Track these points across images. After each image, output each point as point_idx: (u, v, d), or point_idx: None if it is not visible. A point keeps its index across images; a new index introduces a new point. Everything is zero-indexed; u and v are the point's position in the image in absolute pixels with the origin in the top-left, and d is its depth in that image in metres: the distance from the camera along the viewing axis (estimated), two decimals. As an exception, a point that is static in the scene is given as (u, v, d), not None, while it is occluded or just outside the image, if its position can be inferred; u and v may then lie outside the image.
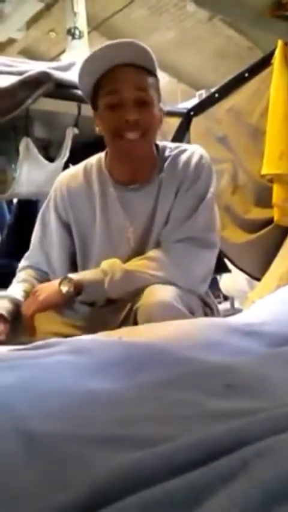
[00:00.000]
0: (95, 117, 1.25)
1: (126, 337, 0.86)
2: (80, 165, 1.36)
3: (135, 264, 1.19)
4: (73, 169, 1.38)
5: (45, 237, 1.35)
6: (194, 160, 1.24)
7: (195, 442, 0.39)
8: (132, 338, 0.84)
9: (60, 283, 1.17)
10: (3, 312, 1.20)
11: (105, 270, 1.17)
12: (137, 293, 1.15)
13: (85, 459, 0.42)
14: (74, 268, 1.32)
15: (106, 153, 1.31)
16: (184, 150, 1.27)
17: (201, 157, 1.25)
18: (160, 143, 1.30)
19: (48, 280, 1.31)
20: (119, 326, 1.19)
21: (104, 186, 1.28)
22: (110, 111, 1.17)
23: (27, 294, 1.26)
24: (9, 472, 0.40)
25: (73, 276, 1.19)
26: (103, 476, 0.36)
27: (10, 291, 1.29)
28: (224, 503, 0.32)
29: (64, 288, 1.16)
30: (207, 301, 1.32)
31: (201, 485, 0.33)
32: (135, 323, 1.14)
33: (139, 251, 1.24)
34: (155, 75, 1.21)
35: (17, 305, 1.23)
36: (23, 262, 1.40)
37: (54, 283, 1.19)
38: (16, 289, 1.29)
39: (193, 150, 1.27)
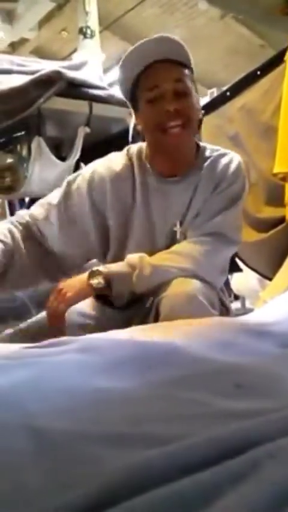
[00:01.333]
0: (136, 118, 1.29)
1: (137, 336, 0.86)
2: (122, 154, 1.35)
3: (162, 257, 1.21)
4: (113, 156, 1.37)
5: (66, 211, 1.30)
6: (233, 165, 1.28)
7: (205, 442, 0.39)
8: (142, 337, 0.84)
9: (89, 277, 1.16)
10: None
11: (133, 264, 1.18)
12: (162, 285, 1.16)
13: (94, 458, 0.42)
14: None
15: (147, 146, 1.32)
16: (224, 154, 1.31)
17: (239, 163, 1.30)
18: (201, 143, 1.35)
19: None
20: (142, 318, 1.19)
21: (145, 176, 1.30)
22: (151, 106, 1.21)
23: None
24: (18, 470, 0.40)
25: (101, 268, 1.18)
26: (112, 475, 0.36)
27: None
28: (233, 503, 0.31)
29: (95, 281, 1.16)
30: (224, 300, 1.33)
31: (211, 486, 0.33)
32: (157, 314, 1.14)
33: (169, 242, 1.26)
34: (190, 68, 1.25)
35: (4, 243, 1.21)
36: (16, 216, 1.36)
37: (82, 277, 1.18)
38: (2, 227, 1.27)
39: (232, 156, 1.31)
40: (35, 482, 0.38)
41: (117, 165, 1.32)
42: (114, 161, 1.34)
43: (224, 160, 1.29)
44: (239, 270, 2.39)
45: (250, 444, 0.38)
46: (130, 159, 1.33)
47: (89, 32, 6.27)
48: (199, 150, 1.32)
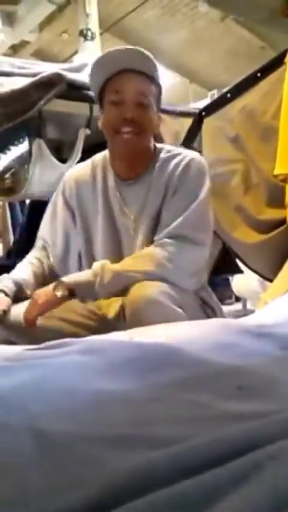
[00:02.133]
0: (100, 115, 1.36)
1: (138, 337, 0.86)
2: (88, 161, 1.48)
3: (127, 263, 1.25)
4: (81, 164, 1.51)
5: (53, 220, 1.45)
6: (183, 163, 1.31)
7: (207, 444, 0.39)
8: (144, 338, 0.85)
9: (54, 288, 1.24)
10: (5, 289, 1.28)
11: (96, 272, 1.23)
12: (126, 289, 1.20)
13: (96, 459, 0.42)
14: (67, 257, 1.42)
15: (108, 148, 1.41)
16: (177, 154, 1.35)
17: (191, 160, 1.32)
18: (159, 145, 1.39)
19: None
20: (118, 316, 1.22)
21: (106, 179, 1.39)
22: (112, 108, 1.29)
23: (30, 278, 1.35)
24: (20, 471, 0.40)
25: (65, 279, 1.26)
26: (115, 476, 0.36)
27: (18, 271, 1.37)
28: (235, 505, 0.32)
29: (59, 293, 1.23)
30: (208, 301, 1.34)
31: (213, 487, 0.33)
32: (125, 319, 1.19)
33: (127, 244, 1.33)
34: (156, 83, 1.32)
35: (18, 287, 1.31)
36: (38, 240, 1.50)
37: (49, 288, 1.25)
38: (21, 271, 1.37)
39: (185, 155, 1.34)
40: (36, 483, 0.38)
41: (80, 173, 1.44)
42: (79, 170, 1.47)
43: (174, 161, 1.33)
44: (240, 271, 2.40)
45: (252, 446, 0.39)
46: (94, 166, 1.43)
47: (89, 34, 6.28)
48: (156, 151, 1.37)
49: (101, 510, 0.33)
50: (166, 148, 1.39)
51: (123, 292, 1.21)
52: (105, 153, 1.43)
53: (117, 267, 1.24)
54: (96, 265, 1.25)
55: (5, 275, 1.34)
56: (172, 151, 1.36)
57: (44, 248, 1.46)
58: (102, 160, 1.42)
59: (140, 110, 1.27)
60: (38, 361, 0.72)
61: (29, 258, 1.44)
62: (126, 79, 1.28)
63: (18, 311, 1.25)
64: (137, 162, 1.34)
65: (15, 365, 0.71)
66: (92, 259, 1.36)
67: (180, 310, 1.18)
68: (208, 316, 1.33)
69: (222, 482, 0.34)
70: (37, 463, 0.42)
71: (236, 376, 0.64)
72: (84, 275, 1.27)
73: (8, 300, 1.27)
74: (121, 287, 1.21)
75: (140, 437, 0.46)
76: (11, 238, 3.20)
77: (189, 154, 1.35)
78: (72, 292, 1.24)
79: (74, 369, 0.67)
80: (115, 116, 1.28)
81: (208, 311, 1.34)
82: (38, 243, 1.49)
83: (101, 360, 0.71)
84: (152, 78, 1.30)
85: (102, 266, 1.24)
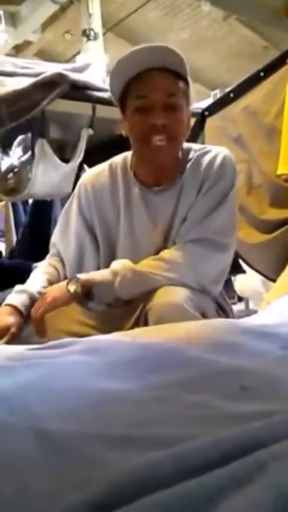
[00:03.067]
0: (122, 120, 1.25)
1: (141, 337, 0.86)
2: (105, 164, 1.36)
3: (147, 264, 1.19)
4: (98, 168, 1.39)
5: (66, 230, 1.36)
6: (218, 161, 1.23)
7: (210, 444, 0.39)
8: (146, 339, 0.85)
9: (68, 283, 1.18)
10: (18, 305, 1.20)
11: (115, 270, 1.18)
12: (149, 294, 1.15)
13: (100, 459, 0.42)
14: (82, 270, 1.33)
15: (132, 154, 1.31)
16: (208, 151, 1.26)
17: (224, 158, 1.24)
18: (185, 145, 1.30)
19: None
20: (132, 326, 1.19)
21: (129, 186, 1.29)
22: (138, 115, 1.18)
23: (46, 288, 1.27)
24: (24, 472, 0.41)
25: (81, 275, 1.19)
26: (119, 476, 0.36)
27: (32, 282, 1.29)
28: (238, 505, 0.31)
29: (72, 287, 1.17)
30: (222, 304, 1.31)
31: (216, 487, 0.33)
32: (146, 324, 1.14)
33: (157, 253, 1.23)
34: (186, 80, 1.20)
35: (33, 301, 1.24)
36: (51, 248, 1.42)
37: (62, 283, 1.20)
38: (37, 281, 1.29)
39: (217, 151, 1.26)
40: (40, 483, 0.38)
41: (98, 178, 1.33)
42: (96, 174, 1.35)
43: (207, 158, 1.24)
44: (243, 271, 2.39)
45: (255, 446, 0.39)
46: (113, 170, 1.32)
47: (92, 34, 6.29)
48: (183, 153, 1.27)
49: (104, 510, 0.33)
50: (193, 147, 1.29)
51: (143, 298, 1.16)
52: (125, 155, 1.33)
53: (138, 267, 1.18)
54: (116, 263, 1.19)
55: (19, 287, 1.26)
56: (202, 149, 1.27)
57: (59, 256, 1.38)
58: (122, 163, 1.32)
59: (169, 113, 1.16)
60: (41, 361, 0.73)
61: (44, 266, 1.35)
62: (150, 81, 1.16)
63: (32, 331, 1.20)
64: (167, 172, 1.25)
65: (17, 365, 0.71)
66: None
67: (201, 317, 1.15)
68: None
69: (225, 482, 0.34)
70: (40, 463, 0.42)
71: (239, 376, 0.64)
72: (102, 273, 1.20)
73: (18, 321, 1.18)
74: (142, 290, 1.16)
75: (143, 438, 0.46)
76: (14, 238, 3.20)
77: (220, 150, 1.26)
78: (87, 289, 1.17)
79: (76, 369, 0.67)
80: (143, 123, 1.16)
81: (221, 313, 1.30)
82: (52, 250, 1.41)
83: (103, 360, 0.71)
84: (178, 74, 1.17)
85: (124, 264, 1.18)
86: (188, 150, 1.28)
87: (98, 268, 1.30)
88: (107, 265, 1.28)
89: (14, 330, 1.16)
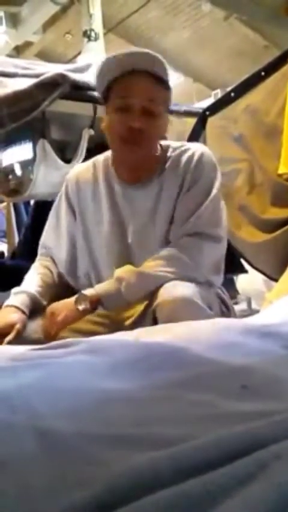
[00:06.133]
0: (104, 120, 1.30)
1: (143, 337, 0.86)
2: (90, 161, 1.42)
3: (148, 265, 1.21)
4: (83, 165, 1.45)
5: (57, 227, 1.40)
6: (195, 158, 1.27)
7: (212, 443, 0.39)
8: (148, 338, 0.85)
9: (76, 302, 1.20)
10: (20, 305, 1.23)
11: (119, 277, 1.20)
12: (155, 290, 1.17)
13: (102, 458, 0.42)
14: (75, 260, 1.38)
15: (111, 151, 1.35)
16: (186, 150, 1.30)
17: (202, 155, 1.28)
18: (164, 143, 1.34)
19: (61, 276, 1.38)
20: (134, 322, 1.20)
21: (110, 183, 1.33)
22: (117, 115, 1.22)
23: (43, 288, 1.30)
24: (26, 471, 0.41)
25: (88, 292, 1.21)
26: (120, 475, 0.36)
27: (28, 283, 1.32)
28: (240, 505, 0.31)
29: (81, 306, 1.19)
30: (223, 298, 1.33)
31: (218, 487, 0.33)
32: (155, 320, 1.15)
33: (138, 246, 1.28)
34: (166, 86, 1.25)
35: (33, 300, 1.26)
36: (41, 249, 1.45)
37: (70, 301, 1.21)
38: (33, 282, 1.32)
39: (195, 149, 1.30)
40: (41, 482, 0.38)
41: (82, 173, 1.39)
42: (80, 170, 1.41)
43: (185, 157, 1.28)
44: (245, 271, 2.39)
45: (257, 445, 0.38)
46: (96, 168, 1.37)
47: (93, 34, 6.30)
48: (162, 150, 1.32)
49: (105, 510, 0.33)
50: (172, 145, 1.34)
51: (148, 294, 1.18)
52: (107, 154, 1.38)
53: (140, 269, 1.20)
54: (119, 271, 1.21)
55: (16, 288, 1.28)
56: (179, 148, 1.32)
57: (50, 256, 1.41)
58: (103, 161, 1.37)
59: (147, 118, 1.20)
60: (43, 361, 0.73)
61: (37, 267, 1.38)
62: (133, 82, 1.20)
63: (35, 327, 1.22)
64: (141, 170, 1.29)
65: (20, 365, 0.71)
66: (95, 265, 1.32)
67: (209, 310, 1.17)
68: (223, 315, 1.31)
69: (226, 482, 0.34)
70: (42, 462, 0.42)
71: (241, 375, 0.64)
72: (107, 284, 1.22)
73: (22, 318, 1.21)
74: (149, 289, 1.18)
75: (144, 437, 0.46)
76: (16, 238, 3.21)
77: (197, 148, 1.31)
78: (95, 305, 1.20)
79: (78, 368, 0.67)
80: (120, 123, 1.21)
81: (224, 309, 1.32)
82: (42, 251, 1.44)
83: (105, 359, 0.71)
84: (161, 81, 1.22)
85: (126, 269, 1.20)
86: (167, 148, 1.33)
87: (91, 263, 1.34)
88: (89, 258, 1.33)
89: (19, 327, 1.18)
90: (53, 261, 1.40)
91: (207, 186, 1.26)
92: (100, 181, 1.34)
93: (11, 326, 1.17)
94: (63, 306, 1.22)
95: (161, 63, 1.21)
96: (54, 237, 1.41)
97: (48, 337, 1.19)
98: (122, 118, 1.21)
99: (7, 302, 1.24)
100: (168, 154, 1.31)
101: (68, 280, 1.38)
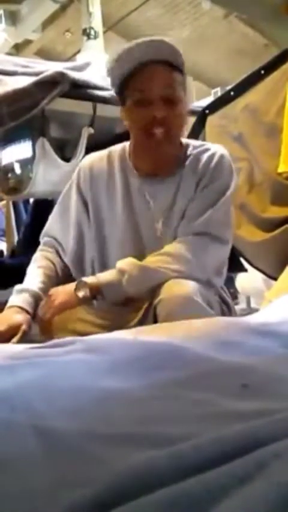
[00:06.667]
0: (122, 111, 1.28)
1: (142, 336, 0.86)
2: (105, 151, 1.39)
3: (151, 260, 1.20)
4: (97, 153, 1.41)
5: (65, 215, 1.37)
6: (215, 159, 1.27)
7: (212, 442, 0.39)
8: (148, 337, 0.85)
9: (75, 288, 1.19)
10: (23, 305, 1.21)
11: (122, 269, 1.18)
12: (157, 288, 1.16)
13: (102, 457, 0.42)
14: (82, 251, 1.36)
15: (131, 144, 1.33)
16: (207, 149, 1.30)
17: (222, 156, 1.28)
18: (184, 140, 1.33)
19: (65, 265, 1.36)
20: (138, 323, 1.20)
21: (126, 176, 1.31)
22: (138, 108, 1.20)
23: (46, 284, 1.28)
24: (26, 470, 0.41)
25: (88, 279, 1.20)
26: (120, 474, 0.36)
27: (30, 279, 1.29)
28: (240, 503, 0.31)
29: (80, 293, 1.18)
30: (224, 297, 1.33)
31: (217, 486, 0.33)
32: (155, 318, 1.15)
33: (151, 242, 1.27)
34: (182, 73, 1.23)
35: (36, 298, 1.25)
36: (44, 238, 1.42)
37: (70, 287, 1.21)
38: (35, 278, 1.29)
39: (215, 150, 1.30)
40: (41, 481, 0.38)
41: (96, 162, 1.35)
42: (94, 159, 1.37)
43: (205, 156, 1.28)
44: (244, 270, 2.39)
45: (256, 444, 0.38)
46: (111, 159, 1.34)
47: (92, 32, 6.29)
48: (182, 147, 1.31)
49: (105, 508, 0.33)
50: (192, 143, 1.33)
51: (150, 293, 1.18)
52: (124, 145, 1.35)
53: (144, 263, 1.19)
54: (122, 262, 1.20)
55: (19, 286, 1.26)
56: (201, 146, 1.31)
57: (53, 247, 1.38)
58: (120, 152, 1.34)
59: (169, 106, 1.19)
60: (43, 360, 0.73)
61: (39, 259, 1.35)
62: (149, 74, 1.18)
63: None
64: (165, 163, 1.27)
65: (19, 363, 0.71)
66: (104, 257, 1.31)
67: (210, 309, 1.17)
68: (224, 314, 1.32)
69: (226, 480, 0.34)
70: (42, 461, 0.42)
71: (240, 374, 0.64)
72: (108, 274, 1.20)
73: (27, 319, 1.19)
74: (150, 284, 1.17)
75: (144, 436, 0.46)
76: (15, 237, 3.20)
77: (218, 149, 1.30)
78: (94, 293, 1.19)
79: (78, 367, 0.67)
80: (143, 116, 1.19)
81: (224, 308, 1.32)
82: (45, 240, 1.40)
83: (105, 358, 0.71)
84: (175, 67, 1.20)
85: (129, 262, 1.19)
86: (187, 145, 1.32)
87: (98, 252, 1.33)
88: (100, 252, 1.31)
89: (25, 328, 1.17)
90: (56, 252, 1.38)
91: (222, 188, 1.26)
92: (116, 172, 1.32)
93: (17, 327, 1.16)
94: (63, 291, 1.21)
95: (174, 49, 1.20)
96: (60, 225, 1.38)
97: (43, 320, 1.19)
98: (143, 110, 1.19)
99: (10, 302, 1.23)
100: (188, 152, 1.30)
101: (72, 272, 1.36)
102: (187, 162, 1.27)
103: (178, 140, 1.27)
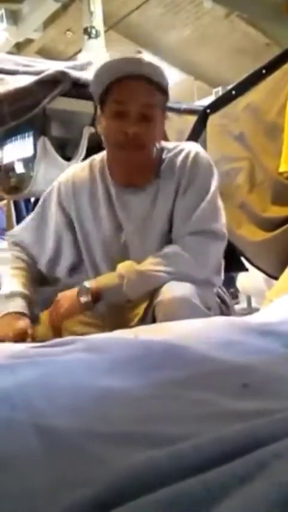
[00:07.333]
0: (99, 117, 1.28)
1: (143, 335, 0.86)
2: (86, 162, 1.41)
3: (150, 262, 1.21)
4: (79, 165, 1.44)
5: (43, 223, 1.39)
6: (190, 159, 1.27)
7: (212, 442, 0.39)
8: (148, 336, 0.85)
9: (78, 294, 1.21)
10: (22, 310, 1.24)
11: (121, 274, 1.20)
12: (155, 290, 1.17)
13: (102, 456, 0.42)
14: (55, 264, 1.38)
15: (106, 154, 1.35)
16: (180, 151, 1.30)
17: (196, 154, 1.28)
18: (161, 144, 1.33)
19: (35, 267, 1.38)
20: (137, 324, 1.20)
21: (107, 185, 1.33)
22: (114, 120, 1.21)
23: (27, 286, 1.31)
24: (26, 468, 0.41)
25: (90, 284, 1.22)
26: (120, 474, 0.36)
27: (13, 282, 1.31)
28: (240, 503, 0.31)
29: (83, 299, 1.20)
30: (223, 297, 1.33)
31: (217, 485, 0.33)
32: (154, 320, 1.16)
33: (139, 247, 1.28)
34: (163, 91, 1.24)
35: (28, 300, 1.27)
36: (16, 237, 1.43)
37: (73, 293, 1.22)
38: (18, 279, 1.31)
39: (188, 150, 1.29)
40: (42, 481, 0.38)
41: (78, 175, 1.37)
42: (76, 171, 1.39)
43: (179, 159, 1.27)
44: (245, 269, 2.39)
45: (257, 444, 0.38)
46: (93, 169, 1.36)
47: (93, 32, 6.28)
48: (157, 153, 1.30)
49: (105, 508, 0.33)
50: (166, 146, 1.33)
51: (149, 294, 1.19)
52: (103, 155, 1.37)
53: (142, 267, 1.20)
54: (121, 266, 1.22)
55: (6, 291, 1.27)
56: (173, 149, 1.31)
57: (20, 245, 1.40)
58: (100, 162, 1.36)
59: (143, 123, 1.19)
60: (43, 359, 0.73)
61: (14, 260, 1.37)
62: (129, 88, 1.19)
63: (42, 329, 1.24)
64: (138, 174, 1.29)
65: (20, 362, 0.71)
66: (94, 265, 1.33)
67: (207, 310, 1.17)
68: (223, 314, 1.32)
69: (226, 480, 0.34)
70: (42, 460, 0.42)
71: (241, 374, 0.64)
72: (109, 278, 1.22)
73: (29, 323, 1.22)
74: (149, 288, 1.19)
75: (144, 435, 0.46)
76: (16, 236, 3.20)
77: (191, 148, 1.30)
78: (97, 297, 1.20)
79: (78, 366, 0.67)
80: (117, 129, 1.20)
81: (223, 308, 1.33)
82: (12, 239, 1.42)
83: (105, 357, 0.71)
84: (157, 86, 1.21)
85: (128, 266, 1.21)
86: (161, 150, 1.32)
87: (74, 262, 1.36)
88: (89, 258, 1.34)
89: (32, 332, 1.20)
90: (25, 251, 1.39)
91: (204, 185, 1.26)
92: (97, 181, 1.34)
93: (23, 333, 1.18)
94: (67, 298, 1.23)
95: (156, 67, 1.22)
96: (35, 238, 1.39)
97: (54, 326, 1.22)
98: (118, 124, 1.20)
99: (7, 309, 1.24)
100: (163, 156, 1.30)
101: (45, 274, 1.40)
102: (162, 167, 1.28)
103: (149, 154, 1.27)
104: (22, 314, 1.23)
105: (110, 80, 1.21)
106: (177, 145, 1.34)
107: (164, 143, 1.35)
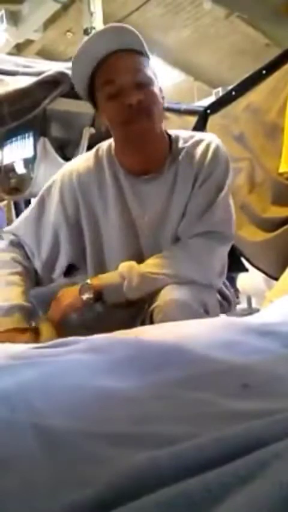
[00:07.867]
0: (97, 115, 1.23)
1: (143, 336, 0.86)
2: (91, 152, 1.33)
3: (152, 263, 1.19)
4: (84, 156, 1.36)
5: (41, 222, 1.32)
6: (211, 152, 1.22)
7: (212, 442, 0.39)
8: (148, 337, 0.84)
9: (80, 291, 1.19)
10: (22, 325, 1.18)
11: (122, 274, 1.18)
12: (154, 293, 1.17)
13: (102, 457, 0.42)
14: (52, 264, 1.33)
15: (115, 143, 1.28)
16: (200, 141, 1.24)
17: (217, 148, 1.23)
18: (172, 133, 1.27)
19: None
20: (141, 325, 1.20)
21: (116, 176, 1.26)
22: (111, 102, 1.14)
23: (27, 292, 1.25)
24: (26, 469, 0.41)
25: (92, 281, 1.20)
26: (120, 474, 0.36)
27: (9, 292, 1.22)
28: (241, 504, 0.31)
29: (84, 296, 1.18)
30: (225, 293, 1.32)
31: (218, 486, 0.33)
32: (152, 323, 1.15)
33: (153, 242, 1.24)
34: (147, 56, 1.18)
35: (26, 311, 1.21)
36: (9, 236, 1.34)
37: (75, 289, 1.20)
38: (16, 288, 1.23)
39: (209, 141, 1.24)
40: (42, 481, 0.38)
41: (82, 167, 1.29)
42: (80, 163, 1.31)
43: (199, 149, 1.22)
44: (245, 269, 2.39)
45: (257, 444, 0.38)
46: (99, 159, 1.28)
47: (94, 32, 6.28)
48: (171, 142, 1.25)
49: (106, 508, 0.33)
50: (181, 135, 1.26)
51: (149, 296, 1.17)
52: (110, 143, 1.29)
53: (144, 269, 1.18)
54: (123, 266, 1.19)
55: (6, 304, 1.18)
56: (192, 138, 1.25)
57: (22, 248, 1.33)
58: (107, 151, 1.28)
59: (142, 89, 1.12)
60: (43, 359, 0.73)
61: (7, 261, 1.27)
62: (115, 63, 1.12)
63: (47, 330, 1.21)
64: (153, 152, 1.21)
65: (19, 363, 0.71)
66: (101, 260, 1.29)
67: (206, 314, 1.16)
68: (223, 309, 1.30)
69: (227, 481, 0.34)
70: (42, 461, 0.42)
71: (241, 374, 0.64)
72: (111, 277, 1.19)
73: (32, 338, 1.15)
74: (149, 290, 1.17)
75: (144, 436, 0.46)
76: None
77: (211, 139, 1.25)
78: (98, 294, 1.18)
79: (78, 367, 0.67)
80: (118, 107, 1.13)
81: (225, 304, 1.31)
82: (9, 237, 1.33)
83: (105, 358, 0.71)
84: (140, 52, 1.15)
85: (130, 267, 1.18)
86: (177, 138, 1.26)
87: (72, 260, 1.31)
88: (97, 256, 1.28)
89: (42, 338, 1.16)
90: (25, 254, 1.33)
91: (220, 181, 1.22)
92: (105, 174, 1.26)
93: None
94: (69, 294, 1.20)
95: (133, 34, 1.14)
96: (33, 231, 1.32)
97: (54, 322, 1.19)
98: (118, 102, 1.13)
99: (6, 325, 1.16)
100: (180, 145, 1.24)
101: (39, 274, 1.34)
102: (180, 157, 1.22)
103: (160, 124, 1.19)
104: (23, 329, 1.16)
105: (90, 69, 1.15)
106: (192, 134, 1.28)
107: (177, 132, 1.29)
